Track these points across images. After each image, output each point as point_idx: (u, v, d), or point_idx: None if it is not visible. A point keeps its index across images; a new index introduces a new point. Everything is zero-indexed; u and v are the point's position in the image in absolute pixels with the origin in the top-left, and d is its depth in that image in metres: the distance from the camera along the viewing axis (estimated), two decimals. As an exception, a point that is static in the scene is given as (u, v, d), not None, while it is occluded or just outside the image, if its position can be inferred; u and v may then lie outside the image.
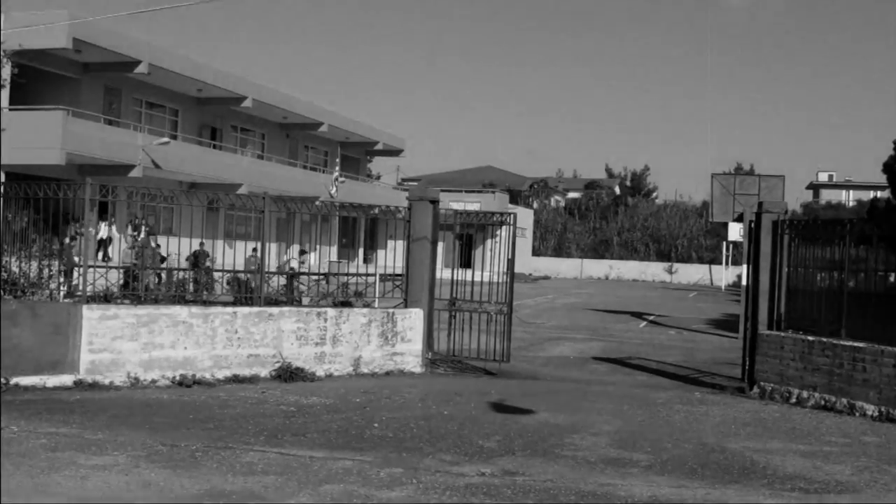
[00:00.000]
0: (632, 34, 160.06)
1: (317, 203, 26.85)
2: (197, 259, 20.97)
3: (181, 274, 16.26)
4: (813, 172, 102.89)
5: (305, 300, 15.45)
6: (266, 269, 14.35)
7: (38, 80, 27.87)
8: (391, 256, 15.31)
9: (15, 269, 13.33)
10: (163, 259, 19.83)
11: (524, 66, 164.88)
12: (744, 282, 17.31)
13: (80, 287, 12.60)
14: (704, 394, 13.45)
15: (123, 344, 12.18)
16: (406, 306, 14.71)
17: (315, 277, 19.08)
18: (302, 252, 25.34)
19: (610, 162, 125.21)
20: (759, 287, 13.63)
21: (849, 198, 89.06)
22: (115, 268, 14.84)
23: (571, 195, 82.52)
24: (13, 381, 11.46)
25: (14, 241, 13.63)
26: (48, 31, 25.25)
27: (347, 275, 20.41)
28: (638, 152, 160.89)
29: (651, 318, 29.47)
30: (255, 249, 25.13)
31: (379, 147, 49.95)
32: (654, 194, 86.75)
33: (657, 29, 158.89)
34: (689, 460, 8.92)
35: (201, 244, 23.32)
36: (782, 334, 13.10)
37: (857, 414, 11.58)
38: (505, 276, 14.71)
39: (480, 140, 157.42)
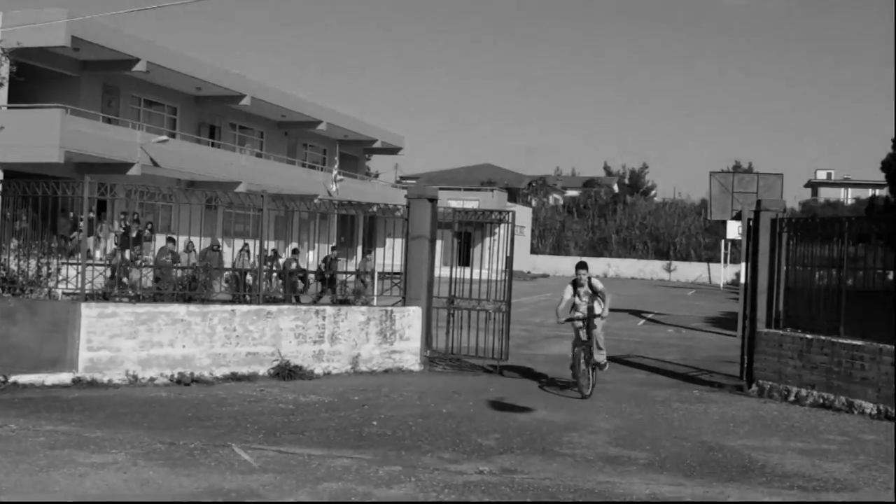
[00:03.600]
0: (630, 32, 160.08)
1: (315, 201, 26.89)
2: (329, 266, 21.17)
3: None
4: (811, 170, 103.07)
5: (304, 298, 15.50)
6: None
7: (36, 78, 27.84)
8: (390, 254, 15.31)
9: (14, 267, 13.31)
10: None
11: (523, 63, 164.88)
12: (742, 280, 17.31)
13: (79, 285, 12.59)
14: (703, 392, 13.45)
15: (122, 342, 12.17)
16: (404, 304, 14.70)
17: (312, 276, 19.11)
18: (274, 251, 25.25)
19: (608, 160, 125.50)
20: (757, 285, 13.63)
21: (847, 196, 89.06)
22: (225, 270, 14.83)
23: (570, 193, 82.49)
24: (11, 378, 11.45)
25: (12, 239, 13.61)
26: (47, 29, 25.25)
27: (346, 273, 20.38)
28: (636, 150, 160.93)
29: (649, 316, 29.47)
30: (368, 252, 25.23)
31: (377, 145, 49.93)
32: (653, 192, 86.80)
33: (656, 27, 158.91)
34: (687, 458, 8.93)
35: (333, 249, 23.20)
36: (781, 332, 13.10)
37: (856, 412, 11.59)
38: (503, 274, 14.71)
39: (479, 138, 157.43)
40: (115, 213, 27.80)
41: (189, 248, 21.75)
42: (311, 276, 21.21)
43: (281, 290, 18.53)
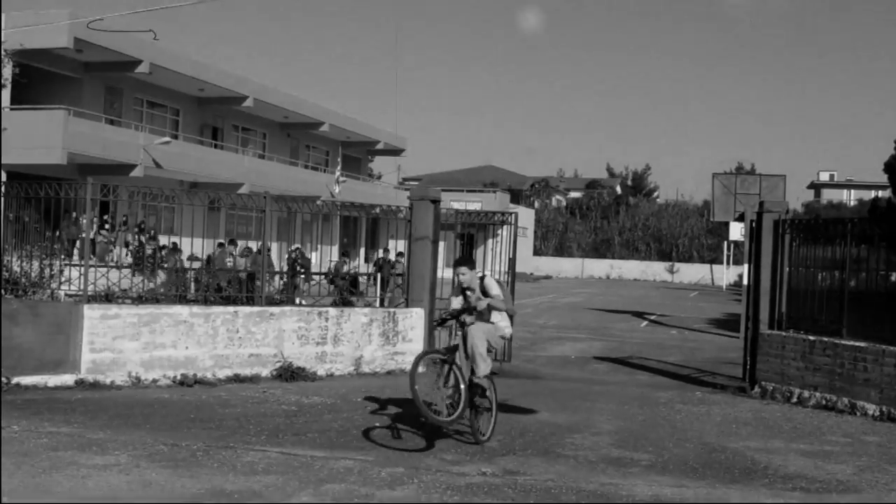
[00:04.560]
0: (633, 33, 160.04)
1: (318, 202, 26.89)
2: (382, 268, 21.09)
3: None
4: (814, 172, 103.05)
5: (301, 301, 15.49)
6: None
7: (39, 79, 27.91)
8: (392, 256, 15.29)
9: (16, 268, 13.33)
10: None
11: (525, 65, 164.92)
12: (745, 281, 17.29)
13: (81, 286, 12.60)
14: (705, 393, 13.44)
15: (125, 343, 12.18)
16: (407, 306, 14.70)
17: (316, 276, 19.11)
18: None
19: (611, 161, 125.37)
20: (760, 286, 13.62)
21: (850, 197, 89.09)
22: (275, 273, 14.80)
23: (573, 195, 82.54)
24: (14, 380, 11.46)
25: (15, 241, 13.62)
26: (49, 30, 25.29)
27: (349, 274, 20.39)
28: (639, 152, 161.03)
29: (652, 317, 29.46)
30: (399, 254, 25.31)
31: (380, 146, 50.00)
32: (656, 194, 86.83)
33: (659, 28, 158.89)
34: (690, 460, 8.92)
35: (385, 251, 23.20)
36: (783, 334, 13.09)
37: (859, 413, 11.57)
38: (506, 276, 14.70)
39: (481, 139, 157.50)
40: (119, 215, 27.83)
41: (244, 252, 21.61)
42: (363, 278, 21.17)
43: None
